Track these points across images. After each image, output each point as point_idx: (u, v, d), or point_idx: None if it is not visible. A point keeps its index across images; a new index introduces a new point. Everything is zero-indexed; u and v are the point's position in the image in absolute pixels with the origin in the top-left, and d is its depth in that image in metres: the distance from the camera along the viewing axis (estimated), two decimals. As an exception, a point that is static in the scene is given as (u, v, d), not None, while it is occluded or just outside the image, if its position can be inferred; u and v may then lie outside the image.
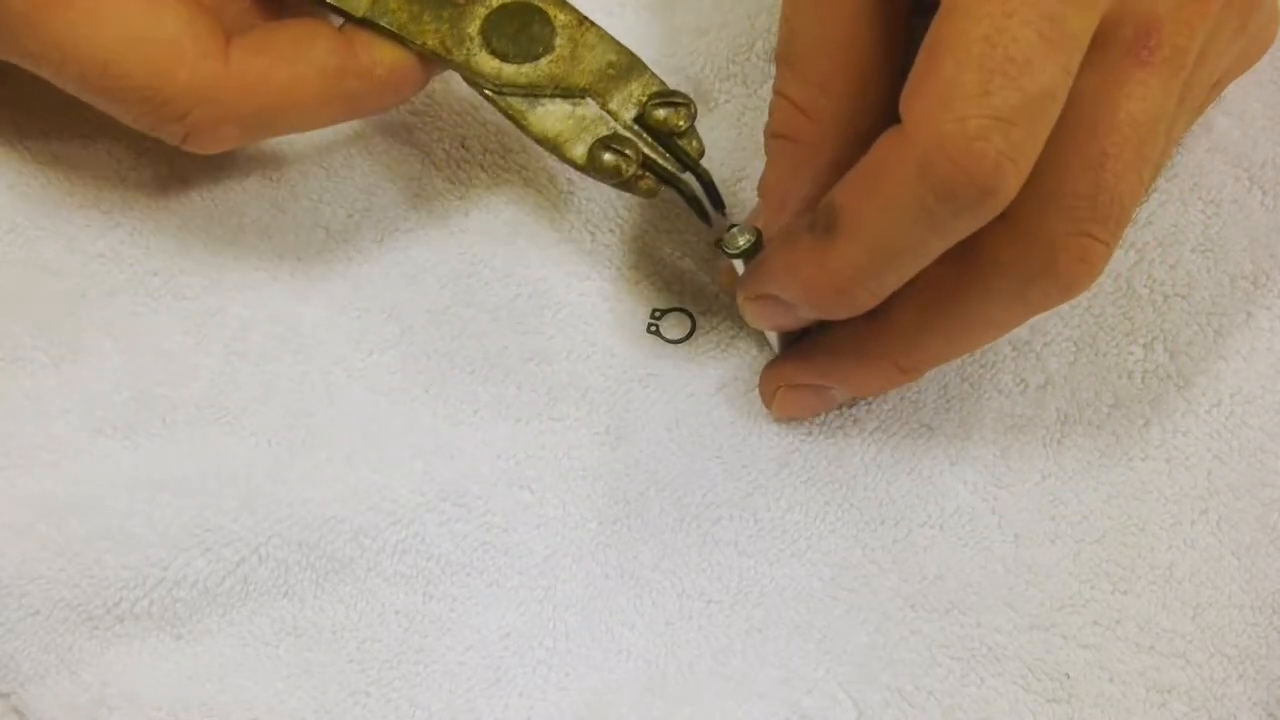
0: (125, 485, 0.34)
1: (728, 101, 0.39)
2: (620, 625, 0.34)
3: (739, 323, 0.37)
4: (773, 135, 0.33)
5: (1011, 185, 0.27)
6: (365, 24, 0.34)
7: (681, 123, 0.34)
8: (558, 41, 0.35)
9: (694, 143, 0.35)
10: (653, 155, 0.34)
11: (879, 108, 0.31)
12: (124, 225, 0.37)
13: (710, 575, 0.35)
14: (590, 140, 0.34)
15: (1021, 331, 0.37)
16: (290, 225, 0.37)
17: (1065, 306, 0.37)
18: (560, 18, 0.35)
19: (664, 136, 0.34)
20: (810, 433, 0.36)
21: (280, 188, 0.37)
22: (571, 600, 0.34)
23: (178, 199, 0.37)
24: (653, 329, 0.37)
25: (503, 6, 0.35)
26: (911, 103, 0.28)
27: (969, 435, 0.36)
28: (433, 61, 0.34)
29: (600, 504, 0.35)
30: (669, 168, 0.34)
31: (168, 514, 0.34)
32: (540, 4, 0.35)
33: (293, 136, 0.37)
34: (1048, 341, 0.37)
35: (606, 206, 0.38)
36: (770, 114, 0.33)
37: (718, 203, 0.35)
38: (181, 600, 0.33)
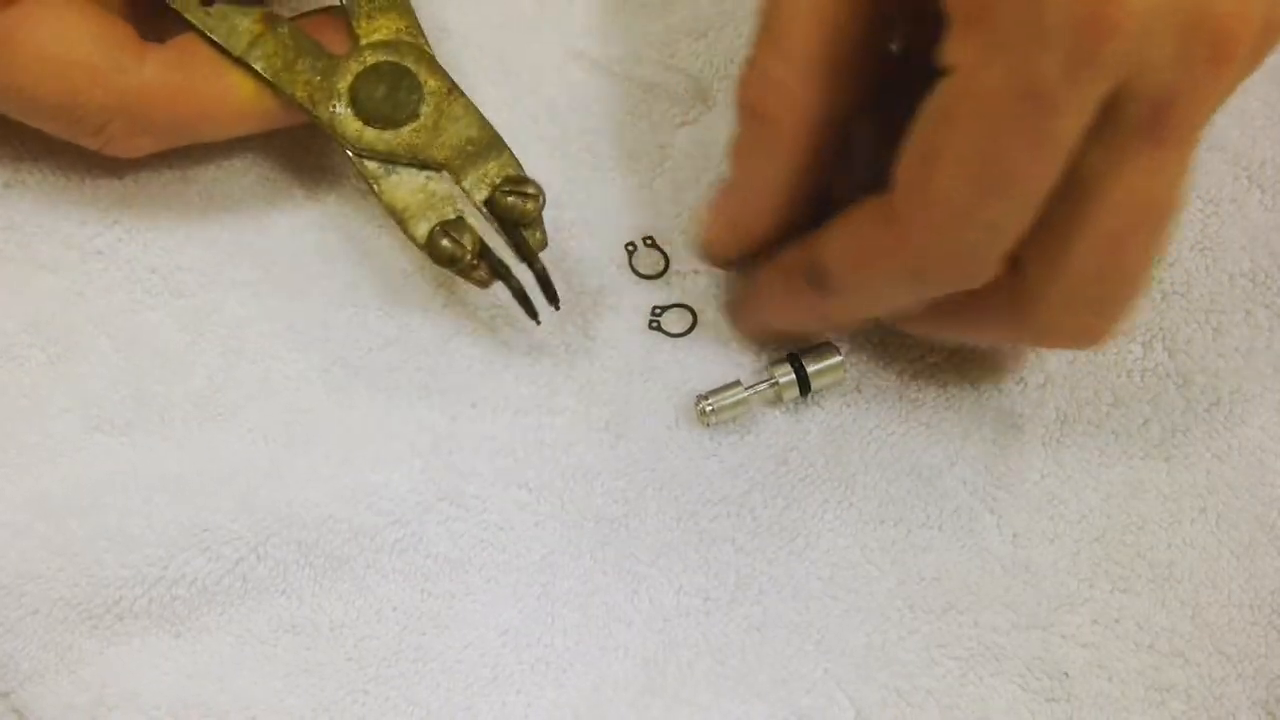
0: (123, 484, 0.34)
1: (728, 102, 0.39)
2: (618, 623, 0.34)
3: (738, 320, 0.37)
4: (747, 107, 0.32)
5: (997, 265, 0.29)
6: (240, 64, 0.34)
7: (529, 212, 0.34)
8: (423, 109, 0.34)
9: (537, 234, 0.34)
10: (489, 246, 0.34)
11: (854, 99, 0.31)
12: (121, 223, 0.36)
13: (708, 573, 0.35)
14: (434, 220, 0.34)
15: (1021, 330, 0.37)
16: (287, 223, 0.37)
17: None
18: (430, 83, 0.35)
19: (509, 224, 0.34)
20: (809, 431, 0.36)
21: (278, 187, 0.37)
22: (569, 597, 0.34)
23: (175, 196, 0.37)
24: (654, 324, 0.37)
25: (376, 65, 0.35)
26: (906, 197, 0.29)
27: (969, 435, 0.36)
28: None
29: (598, 502, 0.35)
30: (502, 262, 0.34)
31: (166, 513, 0.34)
32: (413, 67, 0.35)
33: (288, 135, 0.37)
34: (1047, 340, 0.37)
35: (606, 203, 0.38)
36: (744, 81, 0.32)
37: (552, 297, 0.34)
38: (180, 599, 0.33)
